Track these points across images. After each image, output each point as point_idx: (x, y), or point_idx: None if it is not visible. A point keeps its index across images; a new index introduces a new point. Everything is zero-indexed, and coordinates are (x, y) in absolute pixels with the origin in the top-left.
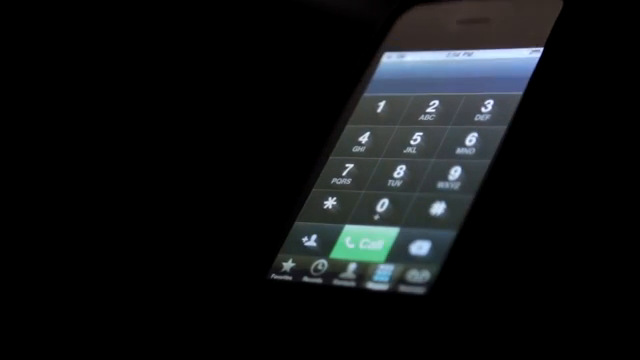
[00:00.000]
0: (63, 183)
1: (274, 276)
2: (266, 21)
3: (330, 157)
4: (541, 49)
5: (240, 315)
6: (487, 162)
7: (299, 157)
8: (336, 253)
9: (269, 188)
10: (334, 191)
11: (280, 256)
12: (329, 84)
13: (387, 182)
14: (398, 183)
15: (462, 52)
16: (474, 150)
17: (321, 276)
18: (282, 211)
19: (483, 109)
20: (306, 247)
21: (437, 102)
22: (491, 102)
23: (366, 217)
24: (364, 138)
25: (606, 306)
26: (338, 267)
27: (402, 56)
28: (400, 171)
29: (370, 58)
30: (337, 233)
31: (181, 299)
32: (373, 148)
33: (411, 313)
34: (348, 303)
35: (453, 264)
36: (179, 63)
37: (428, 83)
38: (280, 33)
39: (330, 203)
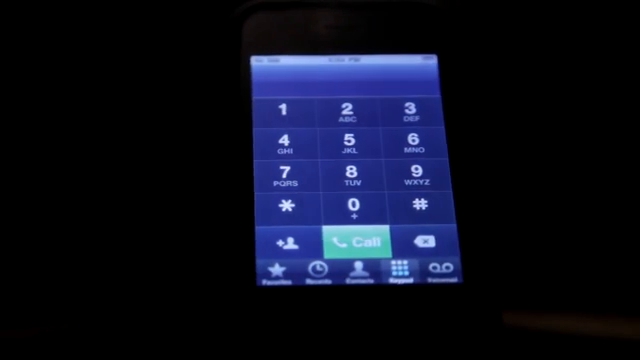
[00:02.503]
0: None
1: (266, 282)
2: None
3: (255, 160)
4: (434, 55)
5: (249, 326)
6: (445, 160)
7: (217, 163)
8: (330, 253)
9: (202, 196)
10: (284, 193)
11: (261, 261)
12: (202, 90)
13: (344, 182)
14: (358, 182)
15: (347, 57)
16: (423, 149)
17: (326, 277)
18: (234, 217)
19: (407, 111)
20: (288, 251)
21: (350, 105)
22: (412, 104)
23: (342, 217)
24: (284, 140)
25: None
26: (342, 266)
27: (275, 60)
28: (352, 171)
29: (236, 62)
30: (317, 234)
31: (175, 317)
32: (302, 150)
33: (451, 302)
34: (375, 300)
35: (471, 253)
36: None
37: (325, 86)
38: None
39: (288, 205)
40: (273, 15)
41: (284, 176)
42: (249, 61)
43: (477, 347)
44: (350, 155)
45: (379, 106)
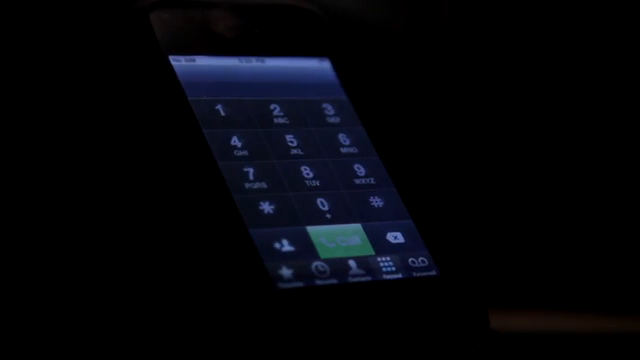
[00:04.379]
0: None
1: (283, 285)
2: None
3: (219, 162)
4: (326, 59)
5: (277, 331)
6: (377, 158)
7: (181, 168)
8: (324, 253)
9: (177, 199)
10: (259, 195)
11: (270, 264)
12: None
13: (304, 183)
14: (317, 183)
15: (254, 58)
16: (356, 149)
17: (331, 276)
18: (224, 221)
19: (327, 112)
20: (286, 253)
21: (277, 106)
22: (329, 106)
23: (319, 218)
24: (235, 142)
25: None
26: (340, 266)
27: (192, 60)
28: (309, 172)
29: (156, 61)
30: (305, 235)
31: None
32: (255, 151)
33: (433, 293)
34: (379, 296)
35: (436, 246)
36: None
37: (246, 87)
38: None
39: (269, 208)
40: (175, 13)
41: (251, 178)
42: (169, 61)
43: (464, 338)
44: (299, 156)
45: (302, 107)
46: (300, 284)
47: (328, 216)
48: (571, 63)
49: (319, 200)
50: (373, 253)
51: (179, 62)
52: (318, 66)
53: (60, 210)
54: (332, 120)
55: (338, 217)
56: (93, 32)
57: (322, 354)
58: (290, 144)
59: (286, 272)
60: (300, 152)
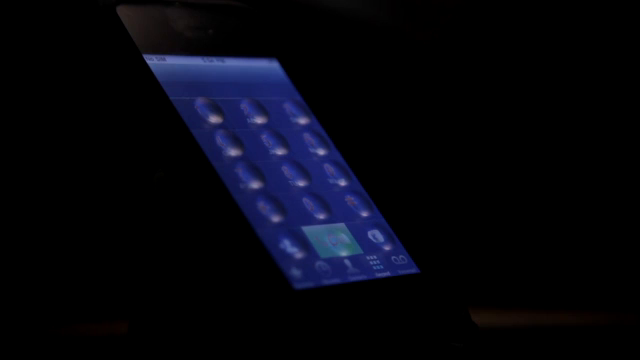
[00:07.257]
0: None
1: (298, 285)
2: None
3: (212, 162)
4: (275, 59)
5: (298, 332)
6: (339, 156)
7: (174, 170)
8: (323, 253)
9: (179, 202)
10: (255, 196)
11: (282, 265)
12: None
13: (288, 182)
14: (298, 183)
15: (214, 58)
16: (322, 150)
17: (333, 276)
18: (232, 223)
19: (288, 112)
20: (290, 253)
21: (247, 107)
22: (289, 106)
23: (309, 217)
24: (220, 142)
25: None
26: (338, 265)
27: (162, 59)
28: (290, 172)
29: (134, 61)
30: (302, 235)
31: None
32: (239, 152)
33: (419, 290)
34: (375, 294)
35: (411, 243)
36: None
37: (217, 87)
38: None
39: (266, 208)
40: (138, 11)
41: (243, 178)
42: (144, 59)
43: (450, 332)
44: (276, 156)
45: (267, 107)
46: (311, 284)
47: (316, 216)
48: (554, 66)
49: (304, 200)
50: (362, 252)
51: (152, 61)
52: (268, 66)
53: (58, 216)
54: (295, 120)
55: (325, 217)
56: (60, 28)
57: (336, 353)
58: (266, 145)
59: (296, 272)
60: (277, 152)
